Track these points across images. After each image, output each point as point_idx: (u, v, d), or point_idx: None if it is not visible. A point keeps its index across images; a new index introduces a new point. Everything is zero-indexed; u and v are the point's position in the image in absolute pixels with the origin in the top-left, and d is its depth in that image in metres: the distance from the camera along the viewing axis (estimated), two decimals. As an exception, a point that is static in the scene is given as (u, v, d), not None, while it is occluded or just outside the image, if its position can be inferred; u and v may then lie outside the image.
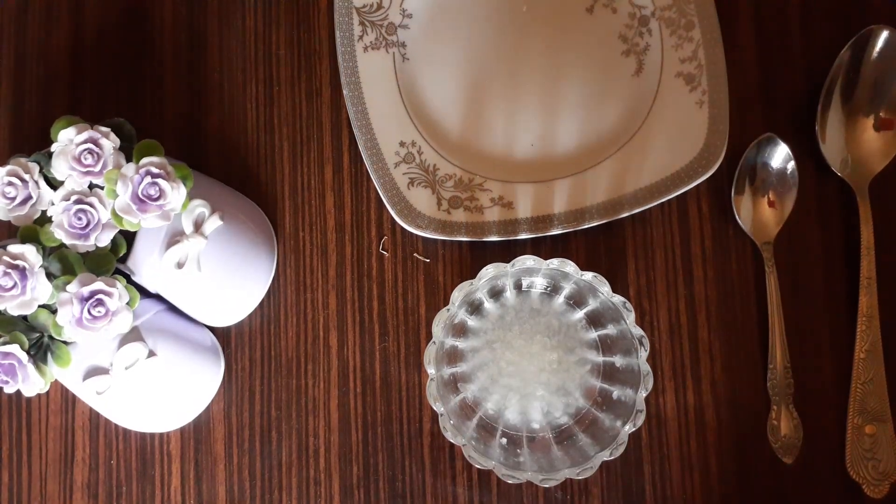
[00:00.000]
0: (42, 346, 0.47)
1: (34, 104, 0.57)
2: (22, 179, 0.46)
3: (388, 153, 0.54)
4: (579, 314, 0.50)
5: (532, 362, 0.49)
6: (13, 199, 0.46)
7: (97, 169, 0.46)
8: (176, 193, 0.46)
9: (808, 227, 0.54)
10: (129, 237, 0.49)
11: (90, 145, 0.46)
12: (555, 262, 0.46)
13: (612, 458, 0.44)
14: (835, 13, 0.55)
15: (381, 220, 0.55)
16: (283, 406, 0.53)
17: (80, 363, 0.48)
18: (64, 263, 0.46)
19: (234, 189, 0.55)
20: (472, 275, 0.48)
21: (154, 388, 0.50)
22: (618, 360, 0.48)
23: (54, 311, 0.45)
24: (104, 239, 0.47)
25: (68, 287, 0.45)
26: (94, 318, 0.45)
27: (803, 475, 0.51)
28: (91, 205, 0.46)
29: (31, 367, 0.45)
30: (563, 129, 0.54)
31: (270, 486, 0.53)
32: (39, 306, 0.46)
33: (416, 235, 0.54)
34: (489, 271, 0.46)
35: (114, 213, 0.46)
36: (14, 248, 0.45)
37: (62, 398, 0.54)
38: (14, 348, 0.45)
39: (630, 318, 0.45)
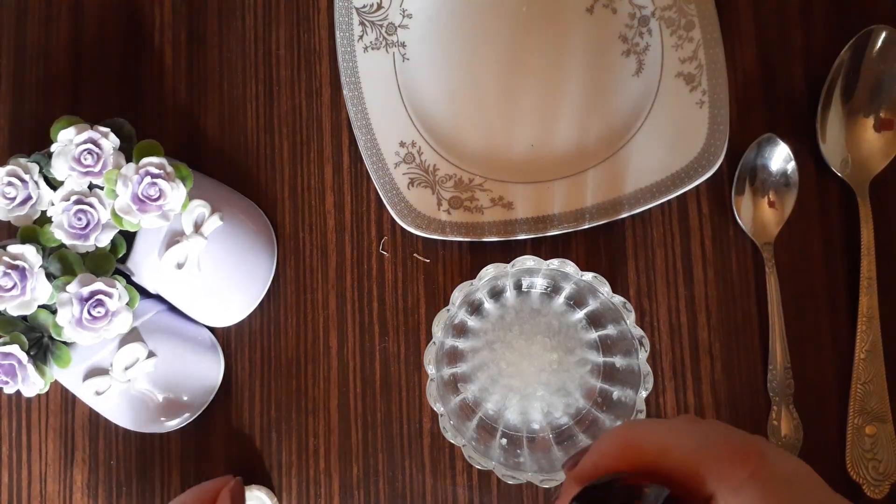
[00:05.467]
0: (42, 347, 0.47)
1: (34, 104, 0.57)
2: (22, 179, 0.46)
3: (388, 153, 0.54)
4: (579, 314, 0.50)
5: (532, 363, 0.49)
6: (13, 199, 0.46)
7: (97, 169, 0.46)
8: (176, 193, 0.46)
9: (808, 228, 0.54)
10: (129, 237, 0.49)
11: (90, 145, 0.46)
12: (555, 263, 0.46)
13: (612, 458, 0.44)
14: (835, 13, 0.55)
15: (381, 220, 0.55)
16: (283, 406, 0.53)
17: (80, 363, 0.48)
18: (64, 264, 0.46)
19: (234, 189, 0.55)
20: (472, 275, 0.48)
21: (154, 388, 0.50)
22: (618, 361, 0.48)
23: (54, 312, 0.45)
24: (104, 239, 0.47)
25: (68, 287, 0.45)
26: (94, 318, 0.45)
27: (803, 475, 0.51)
28: (91, 205, 0.46)
29: (31, 368, 0.45)
30: (563, 129, 0.54)
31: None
32: (39, 306, 0.46)
33: (416, 235, 0.54)
34: (489, 271, 0.46)
35: (114, 214, 0.46)
36: (14, 249, 0.45)
37: (62, 398, 0.54)
38: (14, 348, 0.45)
39: (630, 318, 0.45)
